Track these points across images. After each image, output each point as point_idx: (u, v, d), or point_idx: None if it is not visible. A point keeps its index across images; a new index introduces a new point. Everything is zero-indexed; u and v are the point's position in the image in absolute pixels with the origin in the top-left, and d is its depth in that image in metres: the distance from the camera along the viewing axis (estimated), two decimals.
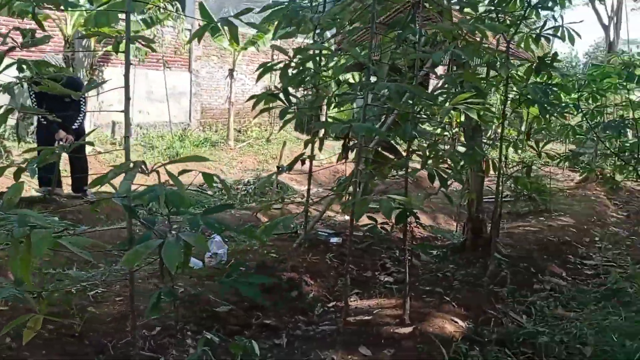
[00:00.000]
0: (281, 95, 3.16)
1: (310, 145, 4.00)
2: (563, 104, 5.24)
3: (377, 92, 4.10)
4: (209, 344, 3.92)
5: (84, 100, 7.30)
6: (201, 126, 15.47)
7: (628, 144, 7.68)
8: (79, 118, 7.30)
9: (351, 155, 4.10)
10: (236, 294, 4.60)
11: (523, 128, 8.75)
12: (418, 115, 4.08)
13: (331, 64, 4.37)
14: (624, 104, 7.69)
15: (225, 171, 11.93)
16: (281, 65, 3.30)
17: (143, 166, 1.85)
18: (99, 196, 7.03)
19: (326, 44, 4.21)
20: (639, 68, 6.66)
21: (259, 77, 3.36)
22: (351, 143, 3.97)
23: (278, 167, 3.81)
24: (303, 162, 3.63)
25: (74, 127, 7.22)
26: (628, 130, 6.86)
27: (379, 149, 5.58)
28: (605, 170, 11.40)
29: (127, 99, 2.18)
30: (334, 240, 6.16)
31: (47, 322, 3.73)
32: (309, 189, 4.68)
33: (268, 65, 3.25)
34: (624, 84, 6.96)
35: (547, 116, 4.49)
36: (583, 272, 6.23)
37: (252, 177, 10.06)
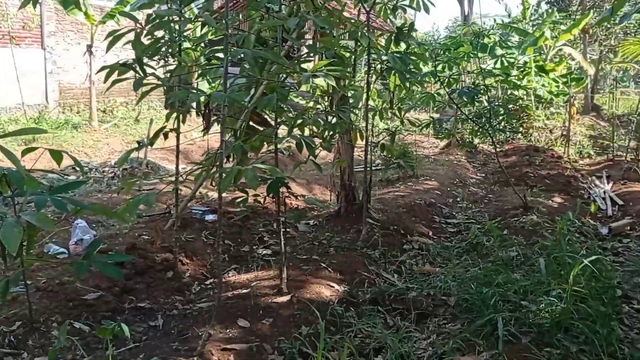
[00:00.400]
0: (135, 66, 2.98)
1: (173, 119, 3.84)
2: (422, 73, 5.52)
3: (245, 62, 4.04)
4: (77, 333, 3.72)
5: None
6: (61, 107, 14.35)
7: (485, 110, 8.31)
8: None
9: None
10: (107, 279, 4.39)
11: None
12: (284, 86, 4.09)
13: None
14: (476, 71, 8.28)
15: (90, 154, 11.21)
16: (132, 33, 3.10)
17: None
18: None
19: (189, 13, 4.03)
20: (487, 38, 7.18)
21: (109, 46, 3.13)
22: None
23: (138, 142, 3.62)
24: (166, 136, 3.48)
25: None
26: (482, 96, 7.42)
27: (250, 122, 5.54)
28: (464, 135, 12.28)
29: None
30: (209, 217, 6.06)
31: None
32: (177, 165, 4.52)
33: (117, 33, 3.04)
34: (475, 52, 7.48)
35: (407, 84, 4.70)
36: (447, 230, 6.69)
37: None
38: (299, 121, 3.58)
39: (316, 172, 9.17)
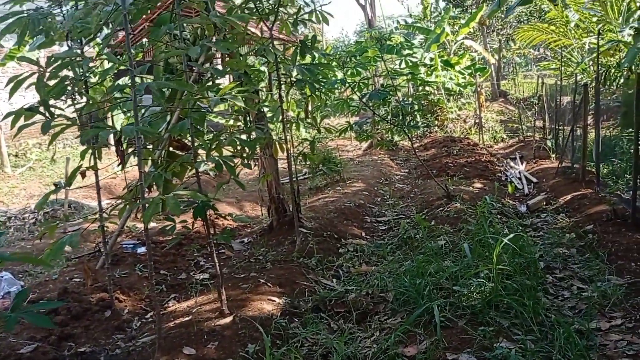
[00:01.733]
0: (41, 109, 2.92)
1: (88, 155, 3.77)
2: (332, 81, 5.69)
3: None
4: None
5: None
6: None
7: (397, 109, 8.61)
8: None
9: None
10: (43, 329, 4.24)
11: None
12: (198, 110, 4.12)
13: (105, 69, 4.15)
14: (384, 73, 8.60)
15: (6, 202, 10.66)
16: (35, 76, 3.04)
17: None
18: None
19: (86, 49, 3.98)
20: (389, 40, 7.48)
21: (11, 92, 3.05)
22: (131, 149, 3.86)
23: (55, 185, 3.54)
24: (83, 175, 3.42)
25: None
26: (393, 96, 7.70)
27: (171, 149, 5.52)
28: (384, 134, 12.65)
29: None
30: (141, 250, 5.96)
31: None
32: (99, 202, 4.42)
33: (19, 79, 2.97)
34: (380, 56, 7.79)
35: (318, 93, 4.84)
36: (379, 228, 6.90)
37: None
38: (216, 143, 3.61)
39: (247, 190, 9.22)
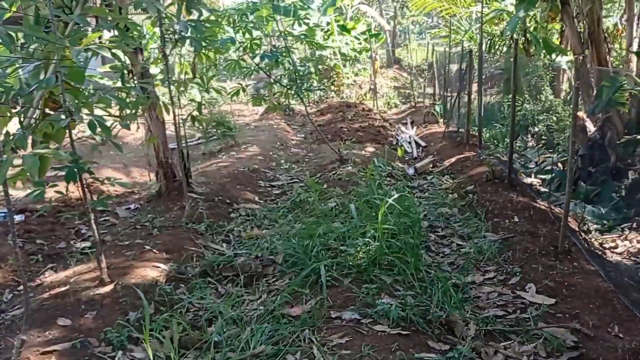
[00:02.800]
0: None
1: None
2: (220, 40, 5.48)
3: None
4: None
5: None
6: None
7: (293, 72, 8.53)
8: None
9: None
10: None
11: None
12: (76, 66, 3.80)
13: None
14: (277, 34, 8.47)
15: None
16: None
17: None
18: None
19: None
20: (282, 0, 7.34)
21: None
22: None
23: None
24: None
25: None
26: (286, 58, 7.61)
27: (47, 110, 5.09)
28: (280, 99, 12.52)
29: None
30: (16, 218, 5.52)
31: None
32: None
33: None
34: (273, 15, 7.62)
35: (206, 52, 4.65)
36: (272, 193, 6.88)
37: None
38: (86, 101, 3.36)
39: (134, 154, 8.80)
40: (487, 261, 4.49)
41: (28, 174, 3.51)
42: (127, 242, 4.88)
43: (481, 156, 7.36)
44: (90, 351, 3.20)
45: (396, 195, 4.77)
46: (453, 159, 7.68)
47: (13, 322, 3.66)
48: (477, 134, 8.01)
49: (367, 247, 4.29)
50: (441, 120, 10.89)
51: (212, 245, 4.95)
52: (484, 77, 8.62)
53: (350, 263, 4.11)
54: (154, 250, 4.62)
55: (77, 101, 3.28)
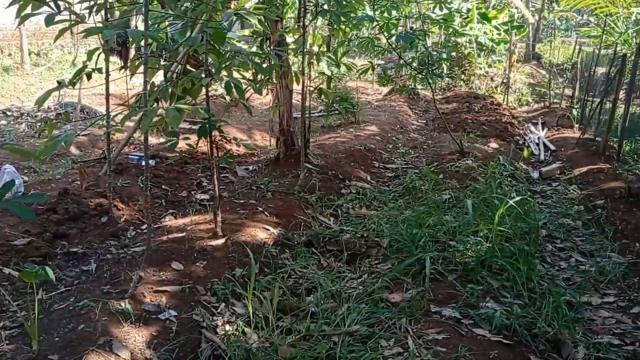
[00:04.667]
0: (49, 1, 2.79)
1: (94, 57, 3.66)
2: (358, 17, 5.44)
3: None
4: (7, 278, 3.65)
5: None
6: None
7: (425, 56, 8.32)
8: None
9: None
10: (39, 225, 4.30)
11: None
12: (218, 27, 3.97)
13: None
14: (416, 16, 8.26)
15: (22, 98, 10.68)
16: None
17: None
18: None
19: None
20: None
21: None
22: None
23: (58, 82, 3.46)
24: (89, 77, 3.32)
25: None
26: (422, 41, 7.41)
27: (188, 66, 5.38)
28: (407, 81, 12.32)
29: None
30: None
31: None
32: (107, 107, 4.36)
33: None
34: None
35: (343, 27, 4.64)
36: (385, 175, 6.82)
37: (54, 104, 9.14)
38: (227, 62, 3.49)
39: (258, 118, 9.12)
40: (608, 284, 4.14)
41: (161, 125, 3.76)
42: (242, 201, 5.09)
43: (618, 170, 6.77)
44: (196, 298, 3.39)
45: (517, 198, 4.53)
46: (584, 169, 7.14)
47: (133, 257, 3.96)
48: (616, 145, 7.37)
49: (478, 247, 4.13)
50: (577, 125, 10.14)
51: (320, 217, 5.02)
52: (636, 85, 7.87)
53: (458, 260, 3.99)
54: (265, 213, 4.77)
55: (219, 61, 3.42)
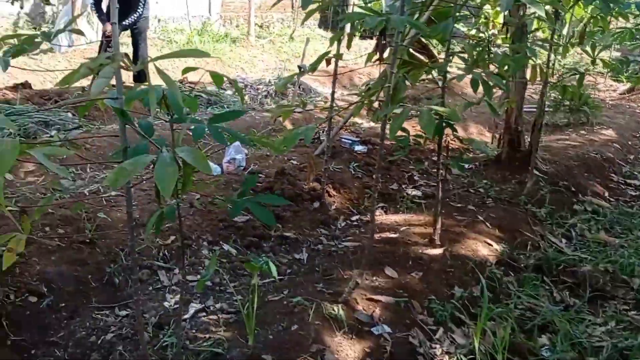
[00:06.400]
0: None
1: (336, 42, 3.48)
2: (626, 2, 4.53)
3: None
4: (225, 255, 3.71)
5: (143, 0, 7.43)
6: (222, 20, 14.65)
7: None
8: (133, 16, 7.33)
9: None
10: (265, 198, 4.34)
11: (565, 31, 7.92)
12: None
13: None
14: None
15: (246, 69, 11.36)
16: None
17: (126, 59, 1.44)
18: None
19: None
20: None
21: None
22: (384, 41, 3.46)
23: (299, 67, 3.33)
24: (328, 62, 3.15)
25: (125, 22, 7.27)
26: None
27: (411, 49, 5.04)
28: None
29: None
30: (358, 148, 5.77)
31: (57, 227, 3.52)
32: (333, 93, 4.22)
33: None
34: None
35: (603, 16, 3.87)
36: (627, 192, 5.79)
37: (274, 77, 9.51)
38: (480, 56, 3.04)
39: (473, 109, 8.46)
40: None
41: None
42: (459, 205, 4.64)
43: None
44: (412, 316, 3.06)
45: None
46: None
47: (345, 253, 3.77)
48: None
49: None
50: None
51: (550, 237, 4.35)
52: None
53: None
54: (487, 224, 4.27)
55: (471, 51, 3.00)
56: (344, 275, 3.40)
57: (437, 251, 3.70)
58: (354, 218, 4.55)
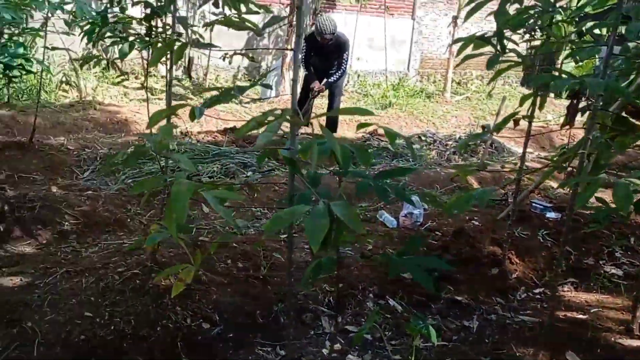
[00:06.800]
0: (494, 40, 2.52)
1: (528, 102, 3.28)
2: None
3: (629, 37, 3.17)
4: (391, 311, 3.64)
5: (346, 58, 7.87)
6: (419, 76, 14.92)
7: None
8: (336, 74, 7.85)
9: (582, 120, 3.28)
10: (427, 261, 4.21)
11: None
12: None
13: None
14: None
15: (437, 125, 11.31)
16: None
17: (295, 115, 1.50)
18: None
19: None
20: None
21: (467, 17, 2.75)
22: (582, 104, 3.16)
23: (483, 127, 3.20)
24: (516, 123, 2.96)
25: (330, 79, 7.85)
26: None
27: (622, 113, 4.52)
28: None
29: (298, 35, 1.84)
30: (550, 215, 5.31)
31: (237, 261, 3.81)
32: (524, 154, 3.96)
33: (478, 2, 2.59)
34: None
35: None
36: None
37: (465, 134, 9.32)
38: None
39: None
40: None
41: None
42: None
43: None
44: None
45: None
46: None
47: (521, 328, 3.44)
48: None
49: None
50: None
51: None
52: None
53: None
54: None
55: None
56: (516, 352, 3.09)
57: (635, 343, 3.18)
58: (536, 290, 4.16)
